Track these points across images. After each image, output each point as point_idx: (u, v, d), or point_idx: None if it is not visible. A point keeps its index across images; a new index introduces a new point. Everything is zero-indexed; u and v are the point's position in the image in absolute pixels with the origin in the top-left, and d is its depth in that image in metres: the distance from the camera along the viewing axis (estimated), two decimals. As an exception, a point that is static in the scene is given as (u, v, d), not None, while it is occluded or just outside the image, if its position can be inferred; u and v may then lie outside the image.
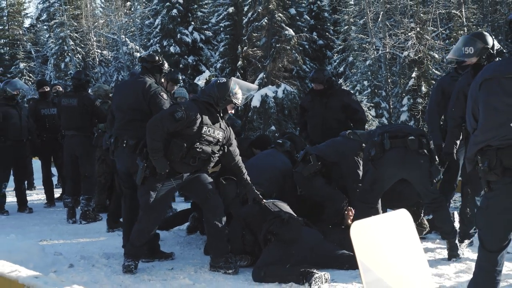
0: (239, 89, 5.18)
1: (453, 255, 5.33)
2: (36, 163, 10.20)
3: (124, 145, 5.40)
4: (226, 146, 5.18)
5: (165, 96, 5.43)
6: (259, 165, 6.01)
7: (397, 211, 3.05)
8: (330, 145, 6.08)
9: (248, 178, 5.37)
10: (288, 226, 4.96)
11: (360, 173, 5.80)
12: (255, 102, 20.66)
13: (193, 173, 5.09)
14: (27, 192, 9.42)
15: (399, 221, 2.99)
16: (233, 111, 5.25)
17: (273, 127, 21.17)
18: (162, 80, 5.92)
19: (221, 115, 5.12)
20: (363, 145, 5.81)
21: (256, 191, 5.33)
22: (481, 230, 3.49)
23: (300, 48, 23.29)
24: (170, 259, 5.53)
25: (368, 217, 2.94)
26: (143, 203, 5.01)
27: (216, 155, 5.12)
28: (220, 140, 5.08)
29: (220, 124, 5.11)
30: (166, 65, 5.75)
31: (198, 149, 4.94)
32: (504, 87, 3.28)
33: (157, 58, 5.68)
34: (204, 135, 4.94)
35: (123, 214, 5.78)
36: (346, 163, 5.88)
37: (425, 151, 5.24)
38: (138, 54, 29.13)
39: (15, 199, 8.89)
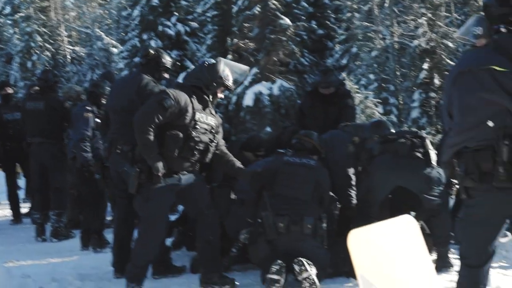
0: (230, 71, 5.29)
1: (443, 265, 5.33)
2: (-1, 175, 10.18)
3: (119, 151, 5.48)
4: (215, 135, 5.24)
5: None
6: None
7: (400, 216, 3.09)
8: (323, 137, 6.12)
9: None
10: None
11: (350, 170, 5.79)
12: (248, 101, 20.60)
13: (190, 172, 5.10)
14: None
15: (402, 228, 3.02)
16: (222, 96, 5.33)
17: (268, 129, 21.05)
18: (166, 75, 5.96)
19: (211, 100, 5.18)
20: (355, 138, 5.85)
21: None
22: (461, 243, 3.49)
23: (298, 39, 23.18)
24: (183, 273, 5.66)
25: (367, 224, 2.97)
26: (145, 215, 5.01)
27: (214, 143, 5.16)
28: (214, 127, 5.16)
29: (209, 110, 5.18)
30: (165, 58, 5.83)
31: (196, 138, 4.96)
32: (481, 81, 3.21)
33: (151, 51, 5.78)
34: (199, 122, 4.98)
35: (114, 227, 5.85)
36: (332, 157, 5.88)
37: (418, 154, 5.31)
38: (115, 50, 29.08)
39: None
